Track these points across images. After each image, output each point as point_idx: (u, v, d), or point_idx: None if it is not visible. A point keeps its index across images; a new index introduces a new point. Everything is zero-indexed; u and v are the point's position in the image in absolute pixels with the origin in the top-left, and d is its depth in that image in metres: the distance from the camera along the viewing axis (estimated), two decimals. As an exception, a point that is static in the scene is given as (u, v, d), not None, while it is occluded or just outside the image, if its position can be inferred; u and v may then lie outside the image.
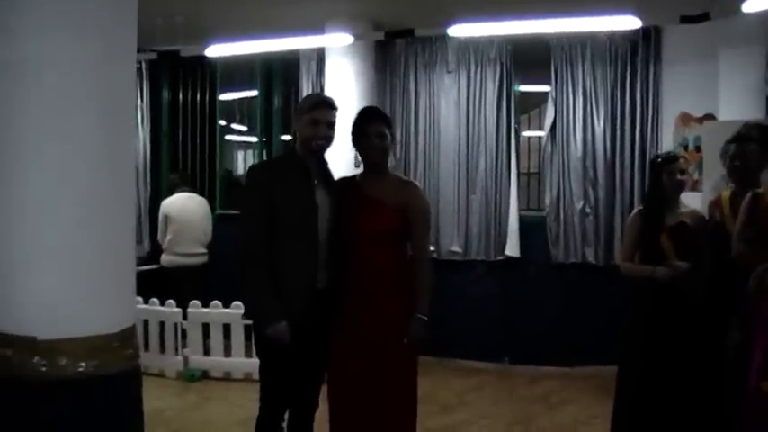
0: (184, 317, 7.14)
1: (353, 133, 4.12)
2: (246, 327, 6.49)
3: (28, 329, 2.57)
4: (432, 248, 7.58)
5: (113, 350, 2.69)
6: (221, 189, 9.38)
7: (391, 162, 4.29)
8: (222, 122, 9.53)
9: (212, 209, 8.53)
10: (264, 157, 9.15)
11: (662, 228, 4.64)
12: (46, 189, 2.58)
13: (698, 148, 6.55)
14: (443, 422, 6.00)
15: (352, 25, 7.29)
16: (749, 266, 4.00)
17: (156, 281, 7.74)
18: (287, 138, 8.95)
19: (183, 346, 7.19)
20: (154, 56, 7.97)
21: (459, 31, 6.78)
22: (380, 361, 3.98)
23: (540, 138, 7.99)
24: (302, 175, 3.95)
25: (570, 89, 7.58)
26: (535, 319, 7.71)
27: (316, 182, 3.98)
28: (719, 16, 6.04)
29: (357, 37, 7.21)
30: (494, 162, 7.81)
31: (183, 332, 7.18)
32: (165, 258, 7.95)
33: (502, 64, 7.78)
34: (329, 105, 4.03)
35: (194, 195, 8.19)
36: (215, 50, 7.50)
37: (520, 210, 7.81)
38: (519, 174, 7.90)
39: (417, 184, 4.42)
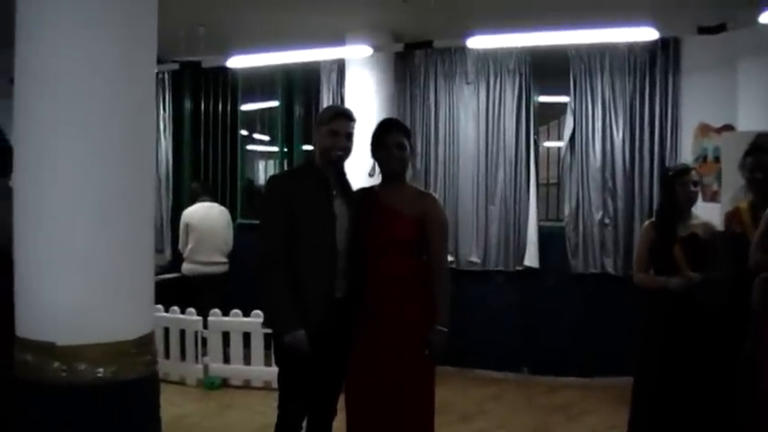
0: (205, 325, 7.19)
1: (373, 144, 4.16)
2: (266, 335, 6.53)
3: (48, 335, 2.63)
4: (451, 259, 7.61)
5: (131, 356, 2.73)
6: (242, 198, 9.44)
7: (409, 173, 4.33)
8: (243, 132, 9.59)
9: (233, 218, 8.58)
10: (285, 167, 9.20)
11: (674, 239, 4.65)
12: (66, 197, 2.64)
13: (717, 159, 6.52)
14: (462, 431, 6.02)
15: (372, 37, 7.33)
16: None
17: (177, 289, 7.80)
18: (308, 148, 9.00)
19: (204, 354, 7.23)
20: (176, 66, 8.05)
21: (477, 42, 6.81)
22: (397, 370, 3.99)
23: (559, 148, 7.99)
24: (321, 186, 3.99)
25: (589, 100, 7.58)
26: (554, 329, 7.70)
27: (334, 192, 4.02)
28: (737, 27, 6.02)
29: (377, 48, 7.26)
30: (513, 172, 7.82)
31: (204, 340, 7.23)
32: (186, 267, 8.02)
33: (521, 75, 7.79)
34: (348, 117, 4.07)
35: (215, 204, 8.25)
36: (236, 62, 7.56)
37: (539, 220, 7.79)
38: (538, 184, 7.89)
39: (435, 195, 4.43)
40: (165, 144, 9.23)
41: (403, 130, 4.20)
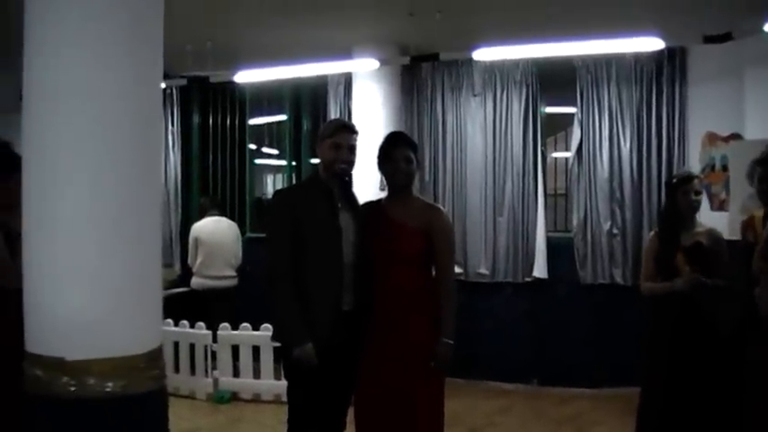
0: (214, 339, 7.20)
1: (380, 157, 4.20)
2: (275, 349, 6.54)
3: (57, 350, 2.64)
4: (459, 270, 7.64)
5: (140, 370, 2.74)
6: (251, 212, 9.46)
7: (416, 186, 4.34)
8: (252, 146, 9.63)
9: (242, 232, 8.60)
10: (294, 180, 9.23)
11: (677, 247, 4.65)
12: (74, 212, 2.65)
13: (724, 168, 6.51)
14: (471, 444, 6.02)
15: (379, 50, 7.35)
16: None
17: (187, 303, 7.82)
18: (316, 161, 9.01)
19: (213, 368, 7.24)
20: (184, 82, 8.09)
21: (484, 54, 6.81)
22: (405, 382, 4.00)
23: (566, 159, 8.01)
24: (326, 199, 4.01)
25: (596, 110, 7.59)
26: (563, 340, 7.69)
27: (339, 205, 4.04)
28: (742, 36, 6.02)
29: (383, 62, 7.28)
30: (521, 184, 7.83)
31: (213, 354, 7.24)
32: (196, 281, 8.04)
33: (527, 86, 7.81)
34: (350, 129, 4.11)
35: (224, 218, 8.28)
36: (244, 76, 7.59)
37: (547, 231, 7.80)
38: (546, 195, 7.91)
39: (442, 208, 4.46)
40: (174, 158, 9.26)
41: (409, 144, 4.24)
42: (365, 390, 4.11)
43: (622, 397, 6.70)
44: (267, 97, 9.41)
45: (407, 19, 6.42)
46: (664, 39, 6.24)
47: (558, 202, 8.34)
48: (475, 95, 8.02)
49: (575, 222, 7.71)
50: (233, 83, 8.14)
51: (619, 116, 7.52)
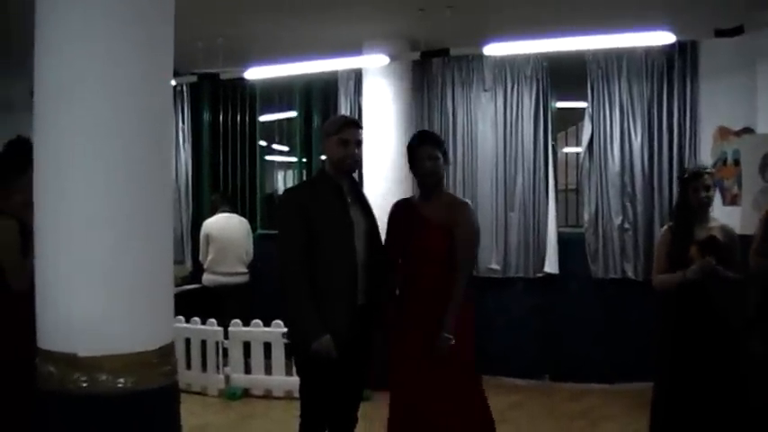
0: (226, 335, 7.21)
1: (408, 157, 4.31)
2: (287, 345, 6.56)
3: (69, 346, 2.65)
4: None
5: (152, 367, 2.75)
6: (262, 209, 9.48)
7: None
8: (262, 143, 9.63)
9: (253, 228, 8.61)
10: (304, 177, 9.23)
11: (691, 241, 4.63)
12: (86, 210, 2.66)
13: (736, 162, 6.47)
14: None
15: (389, 46, 7.35)
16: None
17: (198, 300, 7.84)
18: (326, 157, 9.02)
19: (225, 365, 7.26)
20: (194, 79, 8.10)
21: (494, 49, 6.80)
22: (436, 379, 4.10)
23: (577, 154, 7.98)
24: (336, 195, 4.03)
25: (607, 105, 7.57)
26: (575, 335, 7.67)
27: (349, 200, 4.06)
28: (754, 29, 5.99)
29: (393, 57, 7.27)
30: (532, 179, 7.81)
31: (225, 351, 7.25)
32: (207, 278, 8.05)
33: (538, 81, 7.79)
34: (357, 125, 4.17)
35: (235, 215, 8.29)
36: (254, 73, 7.59)
37: (558, 226, 7.78)
38: (557, 190, 7.90)
39: (468, 203, 4.51)
40: (185, 155, 9.28)
41: (435, 141, 4.33)
42: (397, 386, 4.20)
43: (635, 392, 6.67)
44: (277, 94, 9.41)
45: (417, 14, 6.43)
46: (675, 33, 6.22)
47: (570, 197, 8.32)
48: (485, 91, 8.00)
49: (586, 217, 7.69)
50: (243, 79, 8.15)
51: (630, 111, 7.49)
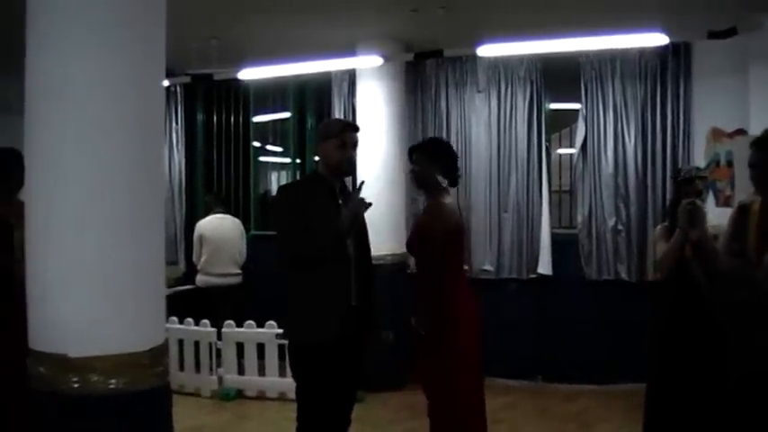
0: (219, 336, 7.20)
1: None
2: (281, 346, 6.56)
3: (61, 347, 2.65)
4: (465, 267, 7.65)
5: (143, 367, 2.75)
6: (256, 210, 9.47)
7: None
8: (256, 144, 9.63)
9: (247, 229, 8.60)
10: (298, 178, 9.22)
11: (686, 241, 4.63)
12: (77, 211, 2.66)
13: (729, 164, 6.49)
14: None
15: (383, 47, 7.36)
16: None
17: (192, 301, 7.83)
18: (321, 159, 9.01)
19: (218, 366, 7.24)
20: (188, 79, 8.09)
21: (488, 50, 6.82)
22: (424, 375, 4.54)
23: (571, 155, 7.99)
24: (329, 196, 4.04)
25: (600, 106, 7.57)
26: (568, 336, 7.67)
27: (341, 201, 4.05)
28: (747, 30, 6.01)
29: (387, 58, 7.28)
30: (525, 180, 7.82)
31: (218, 352, 7.24)
32: (200, 279, 8.05)
33: (532, 82, 7.80)
34: (355, 128, 4.17)
35: (228, 216, 8.28)
36: (248, 74, 7.60)
37: (552, 227, 7.79)
38: (550, 191, 7.90)
39: (439, 202, 4.53)
40: (178, 156, 9.28)
41: (416, 150, 4.66)
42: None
43: (628, 393, 6.68)
44: (271, 95, 9.40)
45: (411, 15, 6.43)
46: (668, 34, 6.24)
47: (563, 199, 8.32)
48: (479, 92, 8.00)
49: (579, 219, 7.70)
50: (237, 80, 8.15)
51: (623, 112, 7.50)
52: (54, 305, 2.67)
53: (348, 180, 4.54)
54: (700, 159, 7.00)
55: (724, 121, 6.72)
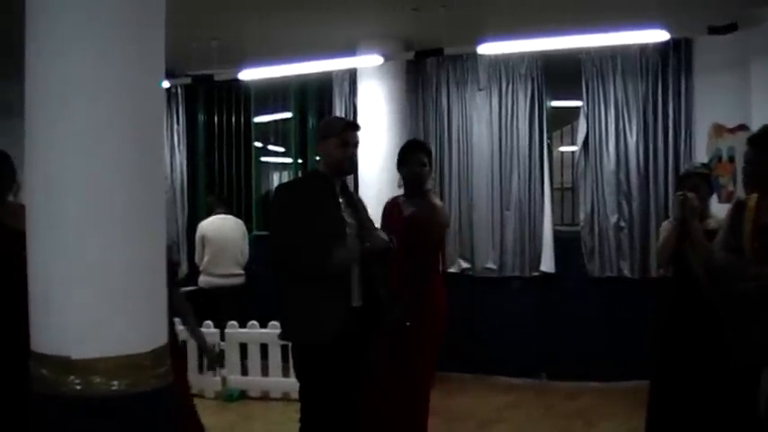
0: (222, 337, 7.20)
1: (399, 160, 4.87)
2: (284, 347, 6.55)
3: (63, 349, 2.64)
4: (467, 265, 7.74)
5: (146, 369, 2.74)
6: (257, 210, 9.47)
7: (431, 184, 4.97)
8: (257, 144, 9.63)
9: (249, 229, 8.60)
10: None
11: (687, 237, 4.64)
12: (78, 212, 2.65)
13: (731, 159, 6.48)
14: (481, 438, 6.01)
15: (383, 46, 7.35)
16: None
17: (194, 302, 7.80)
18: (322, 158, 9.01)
19: (221, 367, 7.23)
20: (189, 80, 8.08)
21: (489, 48, 6.80)
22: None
23: (572, 152, 7.99)
24: (330, 195, 4.03)
25: (602, 103, 7.56)
26: (572, 334, 7.66)
27: (341, 201, 4.05)
28: (748, 26, 5.99)
29: (388, 57, 7.27)
30: (527, 178, 7.81)
31: (221, 352, 7.22)
32: (203, 279, 8.05)
33: (533, 80, 7.79)
34: (357, 127, 4.17)
35: (230, 216, 8.28)
36: (248, 74, 7.59)
37: (554, 225, 7.79)
38: (552, 189, 7.89)
39: (434, 201, 4.95)
40: (180, 157, 9.28)
41: (424, 150, 4.86)
42: None
43: (631, 391, 6.68)
44: (272, 95, 9.39)
45: (411, 14, 6.43)
46: (669, 30, 6.23)
47: (565, 196, 8.33)
48: (480, 90, 8.00)
49: (582, 216, 7.69)
50: (238, 81, 8.13)
51: (625, 109, 7.49)
52: (56, 307, 2.66)
53: (349, 179, 4.54)
54: (702, 155, 6.99)
55: (725, 116, 6.71)
